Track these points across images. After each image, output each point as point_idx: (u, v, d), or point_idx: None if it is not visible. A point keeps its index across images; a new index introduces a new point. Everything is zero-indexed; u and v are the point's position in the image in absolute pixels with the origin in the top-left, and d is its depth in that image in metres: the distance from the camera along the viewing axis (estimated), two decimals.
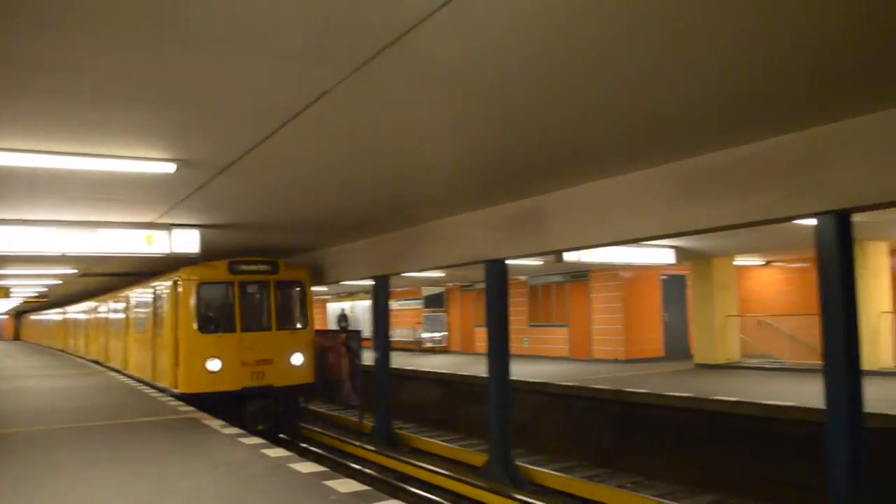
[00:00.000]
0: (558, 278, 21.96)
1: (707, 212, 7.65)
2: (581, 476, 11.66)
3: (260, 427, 13.52)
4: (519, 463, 11.56)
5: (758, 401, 11.05)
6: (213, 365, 13.85)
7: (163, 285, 15.59)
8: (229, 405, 13.26)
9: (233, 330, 14.29)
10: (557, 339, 22.21)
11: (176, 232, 11.29)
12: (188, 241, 11.39)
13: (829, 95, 5.75)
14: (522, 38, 4.41)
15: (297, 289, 15.62)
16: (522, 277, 22.85)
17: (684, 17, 4.17)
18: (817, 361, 7.03)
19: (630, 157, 7.89)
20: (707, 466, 11.27)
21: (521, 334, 22.66)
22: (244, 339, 14.26)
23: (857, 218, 6.71)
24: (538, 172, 8.62)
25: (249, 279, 14.76)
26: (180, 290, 14.29)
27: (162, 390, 14.69)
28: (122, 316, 20.62)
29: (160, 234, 11.21)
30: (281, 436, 14.66)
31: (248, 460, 7.88)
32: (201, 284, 14.18)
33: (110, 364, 22.21)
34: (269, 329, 14.79)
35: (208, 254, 12.91)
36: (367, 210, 11.17)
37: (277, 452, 8.21)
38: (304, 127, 6.17)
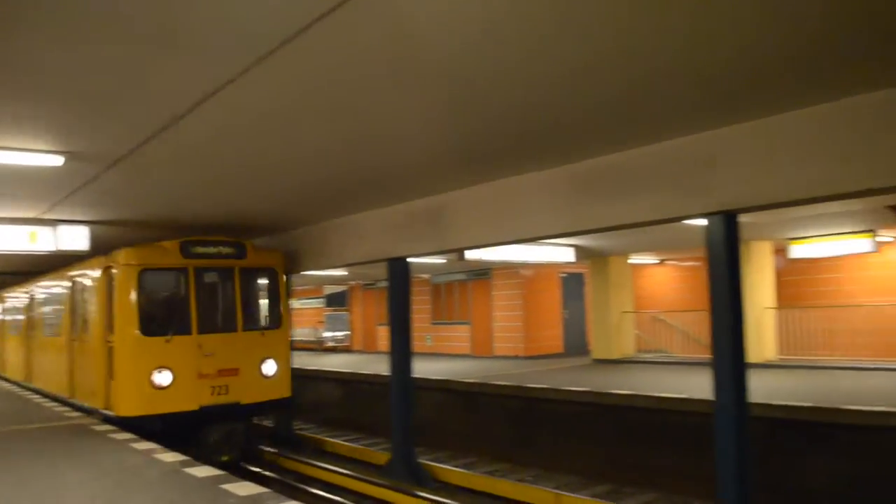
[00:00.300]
0: (461, 276, 22.14)
1: (603, 211, 7.89)
2: (482, 471, 11.79)
3: (225, 458, 11.10)
4: (421, 460, 11.58)
5: (650, 393, 11.46)
6: (162, 378, 10.81)
7: (87, 275, 12.43)
8: (183, 430, 10.76)
9: (187, 332, 11.24)
10: (460, 336, 22.39)
11: (62, 228, 10.68)
12: (76, 239, 10.79)
13: (716, 102, 6.02)
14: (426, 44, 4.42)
15: (269, 278, 12.75)
16: (425, 276, 22.92)
17: (582, 27, 4.29)
18: (706, 355, 7.35)
19: (529, 158, 8.05)
20: (604, 457, 11.60)
21: (424, 332, 22.72)
22: (202, 344, 11.27)
23: (743, 219, 7.07)
24: (441, 170, 8.66)
25: (208, 265, 11.71)
26: (115, 279, 11.12)
27: (87, 412, 11.66)
28: (21, 316, 17.47)
29: (45, 231, 10.61)
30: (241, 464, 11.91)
31: (140, 465, 7.61)
32: (144, 272, 11.07)
33: (6, 375, 19.21)
34: (233, 330, 11.81)
35: (100, 250, 12.26)
36: (268, 207, 10.96)
37: (172, 457, 7.95)
38: (204, 119, 5.97)
